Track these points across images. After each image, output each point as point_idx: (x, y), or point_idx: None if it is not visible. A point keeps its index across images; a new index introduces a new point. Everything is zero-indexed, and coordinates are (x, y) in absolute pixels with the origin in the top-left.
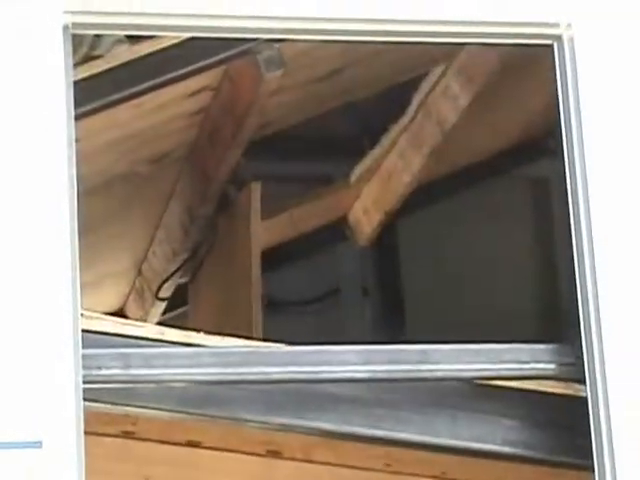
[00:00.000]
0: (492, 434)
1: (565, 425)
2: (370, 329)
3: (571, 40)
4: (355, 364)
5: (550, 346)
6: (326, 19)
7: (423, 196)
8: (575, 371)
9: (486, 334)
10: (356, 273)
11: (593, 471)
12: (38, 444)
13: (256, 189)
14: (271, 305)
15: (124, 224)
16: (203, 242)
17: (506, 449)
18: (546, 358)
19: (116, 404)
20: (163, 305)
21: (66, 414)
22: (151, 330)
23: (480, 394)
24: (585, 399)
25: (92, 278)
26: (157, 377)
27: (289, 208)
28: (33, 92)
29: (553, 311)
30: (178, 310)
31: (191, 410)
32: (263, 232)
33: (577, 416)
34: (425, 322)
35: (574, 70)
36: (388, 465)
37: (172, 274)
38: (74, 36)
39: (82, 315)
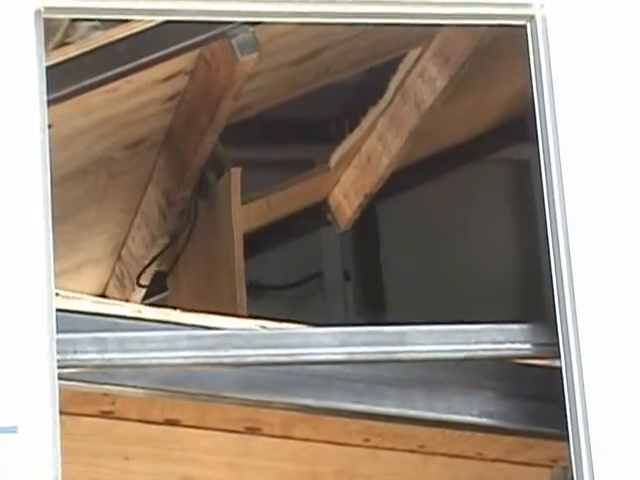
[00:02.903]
0: (468, 406)
1: (541, 396)
2: (352, 313)
3: (544, 20)
4: (332, 346)
5: (525, 326)
6: (301, 1)
7: (403, 179)
8: (551, 351)
9: (467, 316)
10: (337, 257)
11: (568, 441)
12: (13, 429)
13: (236, 174)
14: (252, 290)
15: (101, 210)
16: (182, 227)
17: (483, 420)
18: (522, 338)
19: (93, 383)
20: (143, 291)
21: (41, 399)
22: (128, 309)
23: (457, 366)
24: (560, 369)
25: (71, 265)
26: (133, 361)
27: (268, 193)
28: (4, 77)
29: (534, 292)
30: (158, 296)
31: (169, 388)
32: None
33: (553, 387)
34: (406, 305)
35: (547, 50)
36: (367, 440)
37: (152, 261)
38: (49, 23)
39: (57, 295)
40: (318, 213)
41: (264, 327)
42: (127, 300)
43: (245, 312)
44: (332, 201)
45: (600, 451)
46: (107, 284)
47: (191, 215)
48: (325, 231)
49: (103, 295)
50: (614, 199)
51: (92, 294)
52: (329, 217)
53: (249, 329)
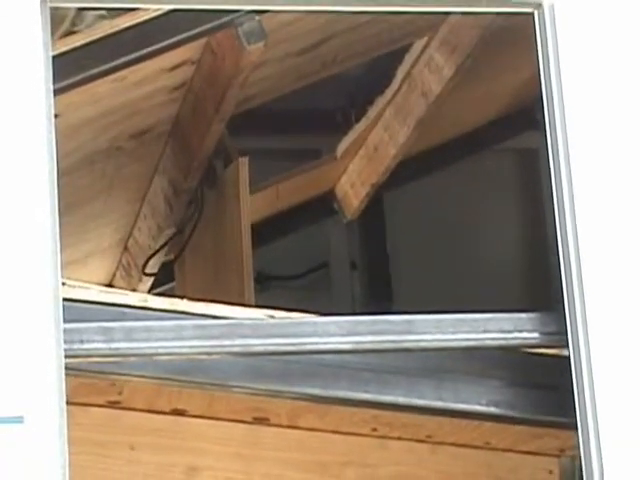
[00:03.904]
0: (476, 395)
1: (549, 385)
2: (359, 302)
3: (552, 7)
4: (339, 335)
5: (533, 315)
6: None
7: (410, 169)
8: (559, 339)
9: (474, 305)
10: (344, 247)
11: (577, 430)
12: (19, 419)
13: (244, 164)
14: (259, 280)
15: (108, 200)
16: (190, 217)
17: (491, 410)
18: (529, 327)
19: (100, 373)
20: (150, 281)
21: (47, 389)
22: (134, 298)
23: (465, 356)
24: (568, 358)
25: (78, 255)
26: (140, 350)
27: (275, 182)
28: (11, 66)
29: (541, 281)
30: (165, 286)
31: (176, 378)
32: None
33: (561, 376)
34: (413, 295)
35: (554, 38)
36: (375, 430)
37: (158, 250)
38: (55, 12)
39: (64, 284)
40: (325, 203)
41: (272, 317)
42: (134, 290)
43: (252, 302)
44: (339, 191)
45: (609, 440)
46: (114, 274)
47: (198, 205)
48: (332, 221)
49: (110, 285)
50: (622, 188)
51: (99, 284)
52: (336, 207)
53: (256, 318)
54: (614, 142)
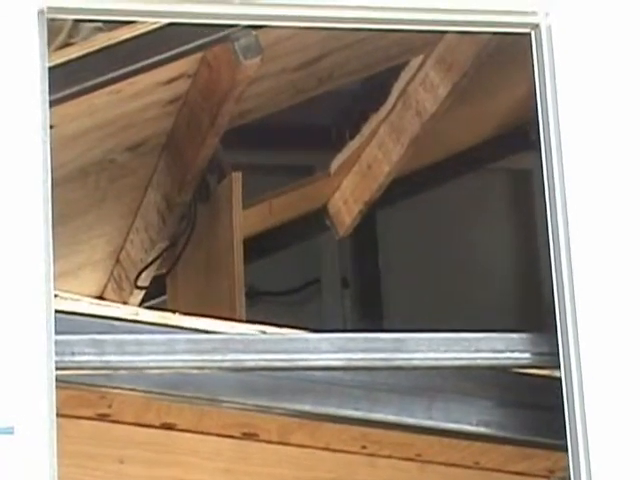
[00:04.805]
0: (467, 414)
1: (540, 405)
2: (349, 319)
3: (549, 29)
4: (330, 352)
5: (525, 335)
6: (305, 5)
7: (403, 187)
8: (551, 360)
9: (466, 325)
10: (335, 263)
11: (567, 451)
12: (10, 430)
13: (237, 179)
14: (250, 295)
15: (100, 213)
16: (182, 231)
17: (481, 429)
18: (521, 347)
19: (90, 385)
20: (141, 294)
21: (38, 400)
22: (125, 311)
23: (456, 375)
24: (559, 379)
25: (70, 267)
26: (131, 364)
27: (268, 198)
28: (7, 77)
29: (533, 301)
30: (157, 299)
31: (166, 392)
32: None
33: (552, 396)
34: (404, 313)
35: (551, 59)
36: (364, 447)
37: (150, 263)
38: (52, 23)
39: (56, 296)
40: (317, 219)
41: (263, 332)
42: (125, 303)
43: (243, 317)
44: (331, 207)
45: (599, 462)
46: (105, 287)
47: (191, 219)
48: (324, 237)
49: (101, 297)
50: (617, 209)
51: (90, 296)
52: (328, 223)
53: (248, 334)
54: (610, 163)
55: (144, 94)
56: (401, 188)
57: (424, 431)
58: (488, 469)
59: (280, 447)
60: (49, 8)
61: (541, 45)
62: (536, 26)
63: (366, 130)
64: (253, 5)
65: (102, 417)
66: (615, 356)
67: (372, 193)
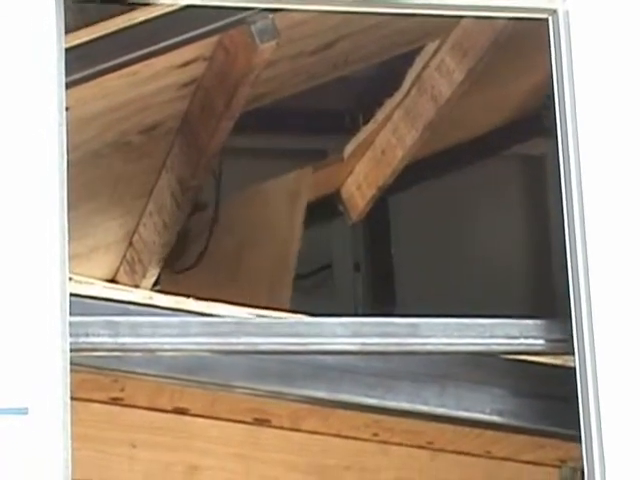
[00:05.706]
0: (480, 403)
1: (553, 395)
2: (361, 305)
3: (566, 14)
4: (345, 336)
5: (539, 322)
6: None
7: (416, 172)
8: (564, 347)
9: (477, 310)
10: (348, 248)
11: (580, 441)
12: (24, 410)
13: None
14: None
15: (114, 195)
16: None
17: (494, 418)
18: (535, 334)
19: (103, 369)
20: (154, 278)
21: (52, 381)
22: (139, 295)
23: (469, 363)
24: (573, 369)
25: (82, 250)
26: (145, 346)
27: None
28: (24, 59)
29: (546, 287)
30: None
31: (179, 376)
32: None
33: (565, 386)
34: (416, 298)
35: (568, 44)
36: (376, 435)
37: (164, 246)
38: (69, 3)
39: (71, 279)
40: (330, 204)
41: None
42: (137, 286)
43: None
44: (344, 192)
45: (612, 452)
46: (118, 270)
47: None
48: (337, 222)
49: (113, 280)
50: (632, 195)
51: (102, 279)
52: (341, 208)
53: (262, 317)
54: (626, 149)
55: (160, 77)
56: (415, 173)
57: (437, 419)
58: (499, 458)
59: (292, 433)
60: None
61: (558, 30)
62: (554, 11)
63: (380, 115)
64: None
65: (115, 401)
66: (630, 343)
67: (385, 178)
